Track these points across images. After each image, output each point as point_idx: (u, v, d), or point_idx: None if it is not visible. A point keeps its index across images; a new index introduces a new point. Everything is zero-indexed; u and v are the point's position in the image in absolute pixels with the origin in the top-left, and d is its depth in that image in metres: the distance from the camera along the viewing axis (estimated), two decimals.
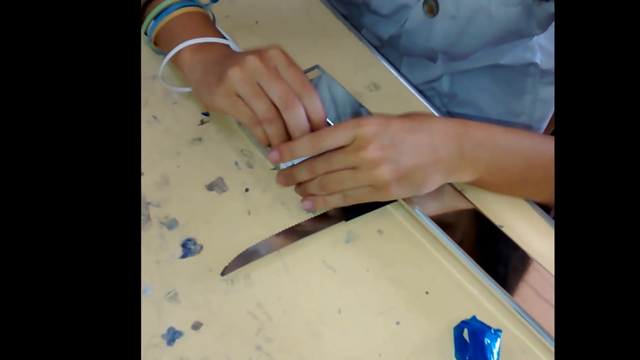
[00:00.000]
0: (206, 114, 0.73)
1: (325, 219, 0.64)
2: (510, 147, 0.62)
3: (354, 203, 0.61)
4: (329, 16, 0.85)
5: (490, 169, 0.61)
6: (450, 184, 0.64)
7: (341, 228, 0.63)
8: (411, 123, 0.60)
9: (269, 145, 0.62)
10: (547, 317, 0.55)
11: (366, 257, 0.61)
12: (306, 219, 0.64)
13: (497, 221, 0.62)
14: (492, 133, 0.62)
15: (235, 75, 0.59)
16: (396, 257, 0.61)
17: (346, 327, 0.57)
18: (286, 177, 0.64)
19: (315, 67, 0.74)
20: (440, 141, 0.59)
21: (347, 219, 0.64)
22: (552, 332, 0.54)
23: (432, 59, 0.85)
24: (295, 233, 0.63)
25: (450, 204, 0.63)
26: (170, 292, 0.58)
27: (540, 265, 0.58)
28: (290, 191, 0.66)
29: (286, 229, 0.63)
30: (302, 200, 0.63)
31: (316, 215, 0.64)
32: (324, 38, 0.82)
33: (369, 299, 0.58)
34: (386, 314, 0.57)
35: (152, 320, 0.56)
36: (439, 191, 0.63)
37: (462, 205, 0.63)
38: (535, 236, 0.62)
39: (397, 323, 0.57)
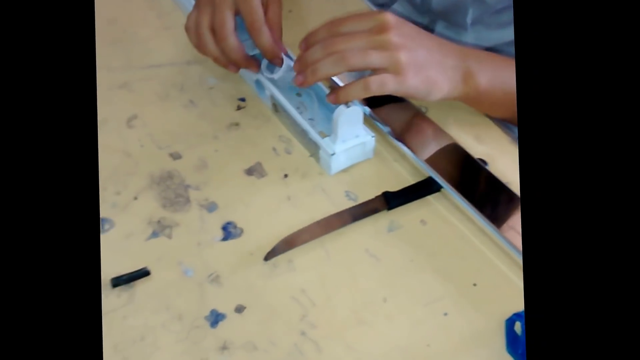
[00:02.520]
0: (243, 100, 0.72)
1: (367, 208, 0.62)
2: (507, 66, 0.65)
3: (354, 69, 0.61)
4: (364, 8, 0.84)
5: (491, 84, 0.64)
6: (491, 174, 0.63)
7: (383, 217, 0.62)
8: (424, 30, 0.64)
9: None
10: None
11: (410, 246, 0.60)
12: (347, 207, 0.62)
13: None
14: (490, 55, 0.67)
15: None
16: (441, 248, 0.60)
17: (392, 317, 0.55)
18: (300, 61, 0.63)
19: None
20: (447, 50, 0.64)
21: (389, 208, 0.62)
22: None
23: (464, 12, 0.82)
24: (337, 221, 0.61)
25: (493, 193, 0.62)
26: (212, 275, 0.57)
27: None
28: (330, 178, 0.65)
29: (328, 217, 0.61)
30: (294, 79, 0.63)
31: (358, 203, 0.63)
32: None
33: (414, 289, 0.57)
34: (433, 304, 0.56)
35: (195, 302, 0.55)
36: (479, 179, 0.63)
37: (505, 193, 0.62)
38: None
39: (445, 314, 0.55)
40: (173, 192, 0.63)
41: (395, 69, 0.60)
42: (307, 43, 0.63)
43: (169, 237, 0.59)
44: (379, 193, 0.63)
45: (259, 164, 0.66)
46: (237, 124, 0.69)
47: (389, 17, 0.61)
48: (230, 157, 0.66)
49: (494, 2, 0.80)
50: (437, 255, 0.59)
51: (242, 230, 0.60)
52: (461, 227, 0.62)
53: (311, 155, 0.67)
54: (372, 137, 0.65)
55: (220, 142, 0.68)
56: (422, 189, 0.64)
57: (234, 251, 0.59)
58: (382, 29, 0.60)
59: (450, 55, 0.63)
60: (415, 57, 0.60)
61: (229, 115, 0.70)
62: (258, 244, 0.59)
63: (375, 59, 0.60)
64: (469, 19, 0.83)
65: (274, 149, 0.67)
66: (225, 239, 0.59)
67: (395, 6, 0.88)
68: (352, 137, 0.64)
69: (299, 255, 0.59)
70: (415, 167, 0.65)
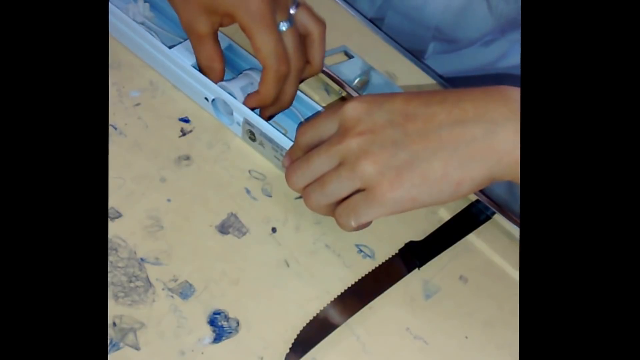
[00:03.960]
0: (186, 120, 0.53)
1: (394, 271, 0.47)
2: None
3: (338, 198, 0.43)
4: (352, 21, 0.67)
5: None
6: None
7: (414, 279, 0.47)
8: (430, 95, 0.42)
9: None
10: None
11: (458, 316, 0.46)
12: (364, 266, 0.47)
13: None
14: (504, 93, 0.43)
15: None
16: (495, 313, 0.46)
17: None
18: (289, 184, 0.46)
19: (342, 48, 0.57)
20: (480, 110, 0.40)
21: (420, 266, 0.48)
22: None
23: (461, 26, 0.69)
24: (361, 294, 0.45)
25: None
26: None
27: None
28: (333, 230, 0.48)
29: (347, 290, 0.45)
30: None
31: (377, 263, 0.47)
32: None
33: None
34: None
35: None
36: None
37: None
38: None
39: None
40: (124, 272, 0.43)
41: (366, 185, 0.41)
42: (290, 158, 0.47)
43: (136, 347, 0.40)
44: (400, 243, 0.48)
45: (233, 216, 0.48)
46: (187, 157, 0.50)
47: (354, 107, 0.42)
48: (191, 209, 0.48)
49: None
50: (495, 324, 0.46)
51: (237, 323, 0.43)
52: (511, 274, 0.48)
53: (298, 197, 0.50)
54: None
55: (171, 187, 0.48)
56: (460, 226, 0.50)
57: (236, 357, 0.41)
58: (342, 132, 0.42)
59: (491, 110, 0.40)
60: (391, 156, 0.40)
61: (174, 145, 0.51)
62: (266, 340, 0.42)
63: (335, 187, 0.42)
64: (466, 34, 0.70)
65: (248, 191, 0.49)
66: (218, 339, 0.42)
67: (388, 19, 0.73)
68: None
69: (325, 351, 0.42)
70: None
